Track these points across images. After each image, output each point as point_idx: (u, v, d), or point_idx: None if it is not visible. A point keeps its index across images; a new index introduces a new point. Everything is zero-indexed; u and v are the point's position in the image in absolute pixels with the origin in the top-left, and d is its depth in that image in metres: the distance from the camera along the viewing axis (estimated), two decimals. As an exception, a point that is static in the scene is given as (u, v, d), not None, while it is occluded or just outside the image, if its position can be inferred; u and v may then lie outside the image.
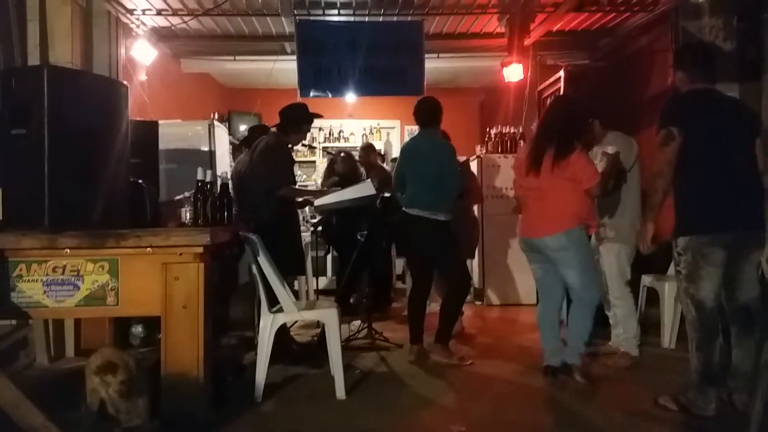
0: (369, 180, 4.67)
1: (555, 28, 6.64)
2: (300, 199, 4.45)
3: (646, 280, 4.62)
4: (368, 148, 6.58)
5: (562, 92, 6.23)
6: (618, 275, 4.07)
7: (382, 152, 8.15)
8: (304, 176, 8.86)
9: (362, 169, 6.02)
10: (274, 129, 4.46)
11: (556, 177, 3.51)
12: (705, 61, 3.21)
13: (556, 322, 3.76)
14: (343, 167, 5.85)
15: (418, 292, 4.33)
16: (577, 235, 3.54)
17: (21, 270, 2.81)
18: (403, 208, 4.25)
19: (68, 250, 2.80)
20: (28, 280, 2.81)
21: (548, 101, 4.08)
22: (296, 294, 5.06)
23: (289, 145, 4.46)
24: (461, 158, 5.08)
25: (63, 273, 2.82)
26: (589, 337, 3.66)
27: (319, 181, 6.82)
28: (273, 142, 4.25)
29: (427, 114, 4.28)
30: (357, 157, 6.30)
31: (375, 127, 9.66)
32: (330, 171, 6.01)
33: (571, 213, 3.53)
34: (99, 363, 2.66)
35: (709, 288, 2.96)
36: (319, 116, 4.51)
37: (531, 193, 3.71)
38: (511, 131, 6.71)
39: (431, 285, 4.46)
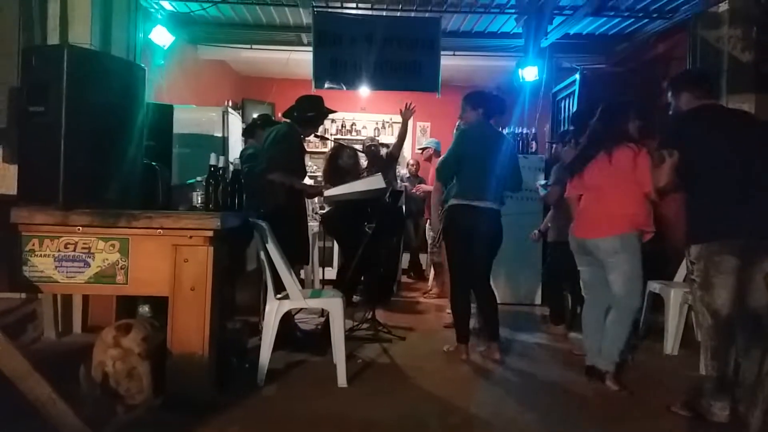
0: (379, 174, 4.68)
1: (572, 32, 6.63)
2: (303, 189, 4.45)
3: (653, 285, 4.63)
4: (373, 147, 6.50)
5: (576, 95, 6.20)
6: None
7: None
8: (315, 167, 8.86)
9: (364, 164, 5.98)
10: (283, 119, 4.52)
11: (616, 177, 3.47)
12: (705, 79, 3.32)
13: (601, 325, 3.68)
14: (347, 161, 5.75)
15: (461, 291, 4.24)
16: (631, 240, 3.47)
17: (33, 245, 2.86)
18: (458, 199, 4.11)
19: (80, 228, 2.85)
20: (40, 255, 2.86)
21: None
22: (302, 283, 5.09)
23: (302, 136, 4.50)
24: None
25: (74, 250, 2.87)
26: (625, 344, 3.59)
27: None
28: (285, 131, 4.32)
29: (487, 105, 4.24)
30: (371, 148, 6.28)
31: (387, 122, 9.67)
32: (334, 164, 5.82)
33: (628, 216, 3.47)
34: (115, 326, 2.74)
35: (723, 296, 2.97)
36: (333, 112, 4.61)
37: (590, 194, 3.66)
38: (524, 132, 6.71)
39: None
